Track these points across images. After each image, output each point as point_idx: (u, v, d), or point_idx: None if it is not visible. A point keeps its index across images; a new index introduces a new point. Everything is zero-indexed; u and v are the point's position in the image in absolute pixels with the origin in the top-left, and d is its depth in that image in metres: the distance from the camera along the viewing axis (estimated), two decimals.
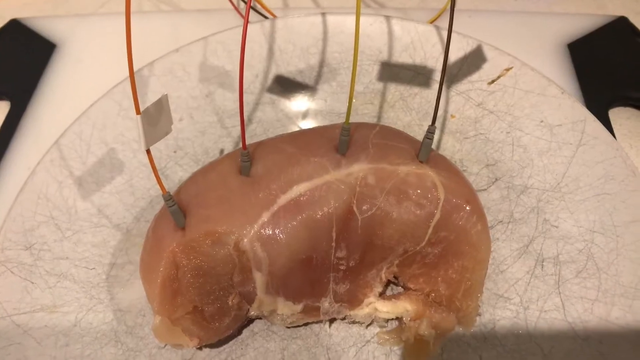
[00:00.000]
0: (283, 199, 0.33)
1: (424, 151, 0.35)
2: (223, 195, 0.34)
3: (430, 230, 0.34)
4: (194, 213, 0.34)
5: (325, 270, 0.34)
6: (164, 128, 0.32)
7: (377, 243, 0.34)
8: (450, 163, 0.37)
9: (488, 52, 0.47)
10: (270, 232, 0.33)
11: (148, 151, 0.32)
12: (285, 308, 0.34)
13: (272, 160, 0.36)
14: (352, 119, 0.35)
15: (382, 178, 0.34)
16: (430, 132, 0.35)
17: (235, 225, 0.33)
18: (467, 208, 0.34)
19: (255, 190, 0.34)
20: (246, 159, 0.35)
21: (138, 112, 0.30)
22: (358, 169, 0.35)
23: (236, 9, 0.59)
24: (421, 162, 0.36)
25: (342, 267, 0.34)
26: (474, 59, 0.47)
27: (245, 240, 0.32)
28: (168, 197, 0.33)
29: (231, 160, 0.37)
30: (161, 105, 0.32)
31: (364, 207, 0.34)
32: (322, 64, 0.50)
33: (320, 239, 0.33)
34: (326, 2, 0.62)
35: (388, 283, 0.38)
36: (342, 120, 0.45)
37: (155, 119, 0.32)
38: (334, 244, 0.34)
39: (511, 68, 0.46)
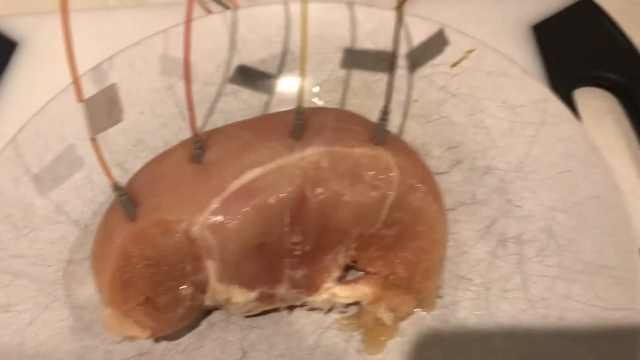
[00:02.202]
0: (234, 185, 0.33)
1: (378, 133, 0.35)
2: (174, 183, 0.33)
3: (385, 212, 0.33)
4: (145, 203, 0.33)
5: (280, 255, 0.33)
6: (114, 118, 0.32)
7: (332, 226, 0.34)
8: (406, 144, 0.37)
9: (450, 35, 0.46)
10: (221, 219, 0.32)
11: (94, 140, 0.31)
12: (240, 296, 0.33)
13: (225, 147, 0.35)
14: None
15: (336, 161, 0.34)
16: (384, 113, 0.34)
17: (185, 213, 0.32)
18: (423, 189, 0.34)
19: (207, 177, 0.33)
20: (198, 146, 0.34)
21: (80, 99, 0.30)
22: (312, 152, 0.34)
23: (201, 2, 0.58)
24: (377, 144, 0.35)
25: (297, 253, 0.34)
26: (437, 43, 0.47)
27: (195, 227, 0.32)
28: (116, 187, 0.32)
29: (184, 148, 0.36)
30: (109, 94, 0.31)
31: (318, 191, 0.33)
32: (285, 52, 0.49)
33: (273, 224, 0.33)
34: None
35: (348, 268, 0.38)
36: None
37: (103, 108, 0.31)
38: (287, 228, 0.33)
39: (473, 50, 0.46)
